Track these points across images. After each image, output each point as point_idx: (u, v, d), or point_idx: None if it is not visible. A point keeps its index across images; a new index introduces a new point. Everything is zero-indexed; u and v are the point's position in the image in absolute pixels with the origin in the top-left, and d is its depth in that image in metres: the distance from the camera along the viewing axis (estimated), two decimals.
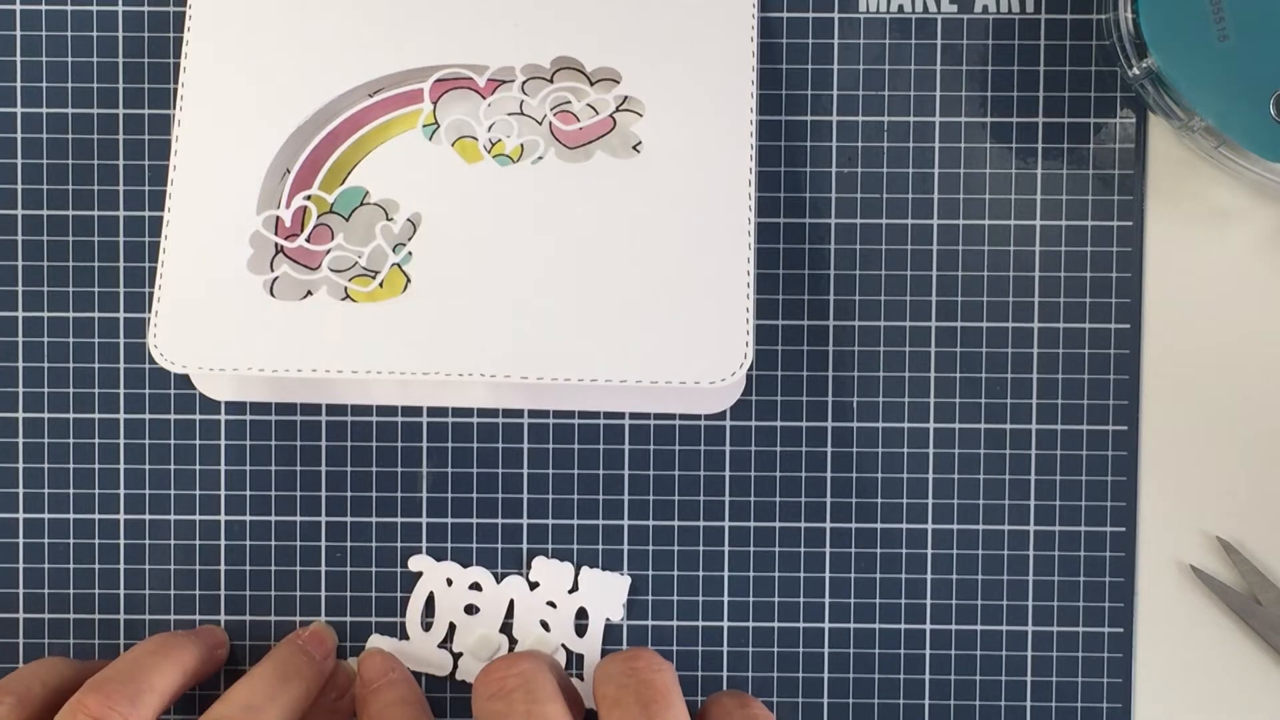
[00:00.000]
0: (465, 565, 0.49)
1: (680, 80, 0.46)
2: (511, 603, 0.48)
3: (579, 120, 0.46)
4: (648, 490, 0.49)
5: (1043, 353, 0.49)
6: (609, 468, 0.49)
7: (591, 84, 0.46)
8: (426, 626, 0.49)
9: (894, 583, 0.49)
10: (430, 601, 0.49)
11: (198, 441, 0.49)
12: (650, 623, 0.49)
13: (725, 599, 0.49)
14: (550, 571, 0.48)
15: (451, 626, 0.49)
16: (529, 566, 0.49)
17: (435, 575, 0.49)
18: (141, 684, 0.43)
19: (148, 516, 0.49)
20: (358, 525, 0.49)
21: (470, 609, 0.49)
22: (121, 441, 0.49)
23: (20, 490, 0.49)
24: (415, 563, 0.49)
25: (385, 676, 0.47)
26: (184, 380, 0.49)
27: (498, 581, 0.49)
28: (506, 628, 0.48)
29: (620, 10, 0.46)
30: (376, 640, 0.49)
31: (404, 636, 0.49)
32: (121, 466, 0.49)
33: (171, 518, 0.49)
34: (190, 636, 0.47)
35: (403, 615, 0.49)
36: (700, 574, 0.49)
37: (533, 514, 0.49)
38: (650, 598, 0.49)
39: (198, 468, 0.49)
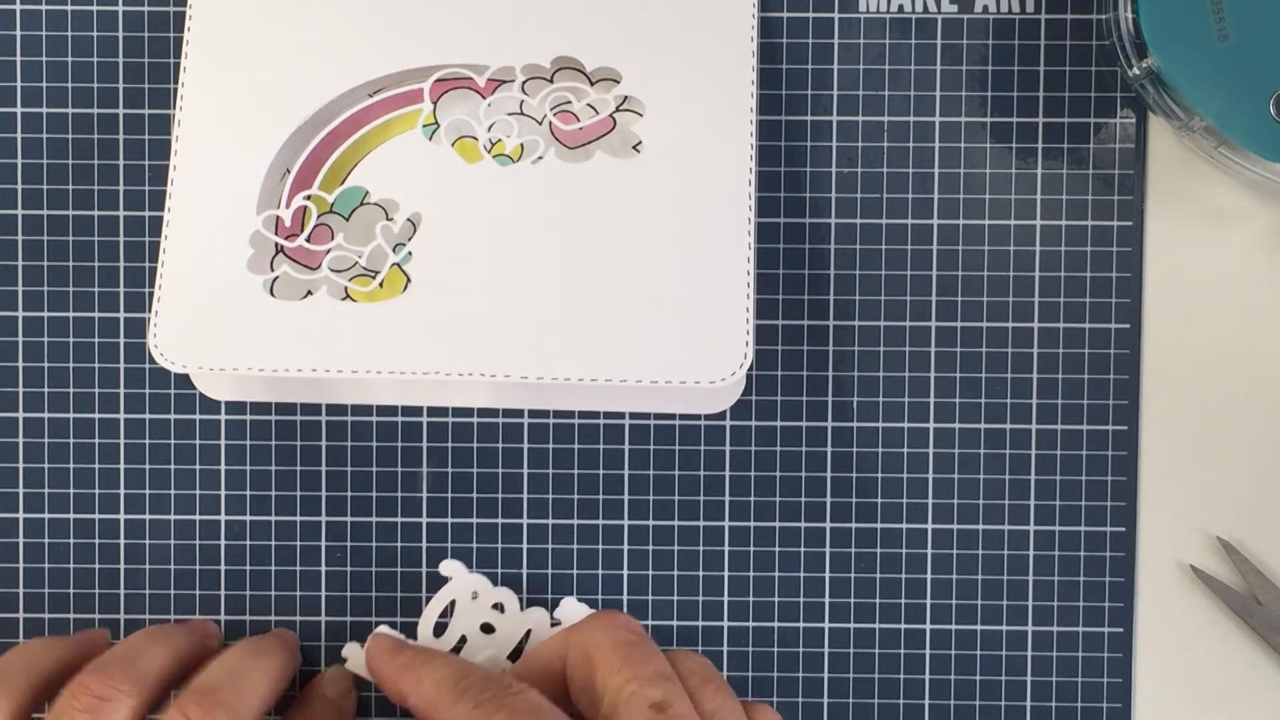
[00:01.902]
0: (491, 580, 0.48)
1: (680, 80, 0.46)
2: (529, 634, 0.48)
3: (579, 120, 0.46)
4: (648, 490, 0.49)
5: (1043, 353, 0.49)
6: (609, 468, 0.49)
7: (591, 84, 0.46)
8: (438, 631, 0.48)
9: (894, 583, 0.49)
10: (450, 609, 0.48)
11: (198, 441, 0.49)
12: (650, 623, 0.49)
13: (725, 599, 0.49)
14: (576, 615, 0.48)
15: (463, 639, 0.48)
16: (555, 605, 0.48)
17: (463, 585, 0.48)
18: (142, 666, 0.43)
19: (148, 516, 0.49)
20: (358, 525, 0.49)
21: (487, 628, 0.48)
22: (121, 441, 0.49)
23: (20, 490, 0.49)
24: (446, 567, 0.48)
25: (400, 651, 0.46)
26: (184, 380, 0.49)
27: (521, 609, 0.48)
28: (515, 654, 0.48)
29: (620, 10, 0.46)
30: (384, 630, 0.48)
31: (409, 633, 0.49)
32: (121, 466, 0.49)
33: (171, 518, 0.49)
34: (183, 627, 0.47)
35: (403, 615, 0.49)
36: (700, 574, 0.49)
37: (533, 514, 0.49)
38: (650, 598, 0.49)
39: (198, 468, 0.49)
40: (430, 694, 0.42)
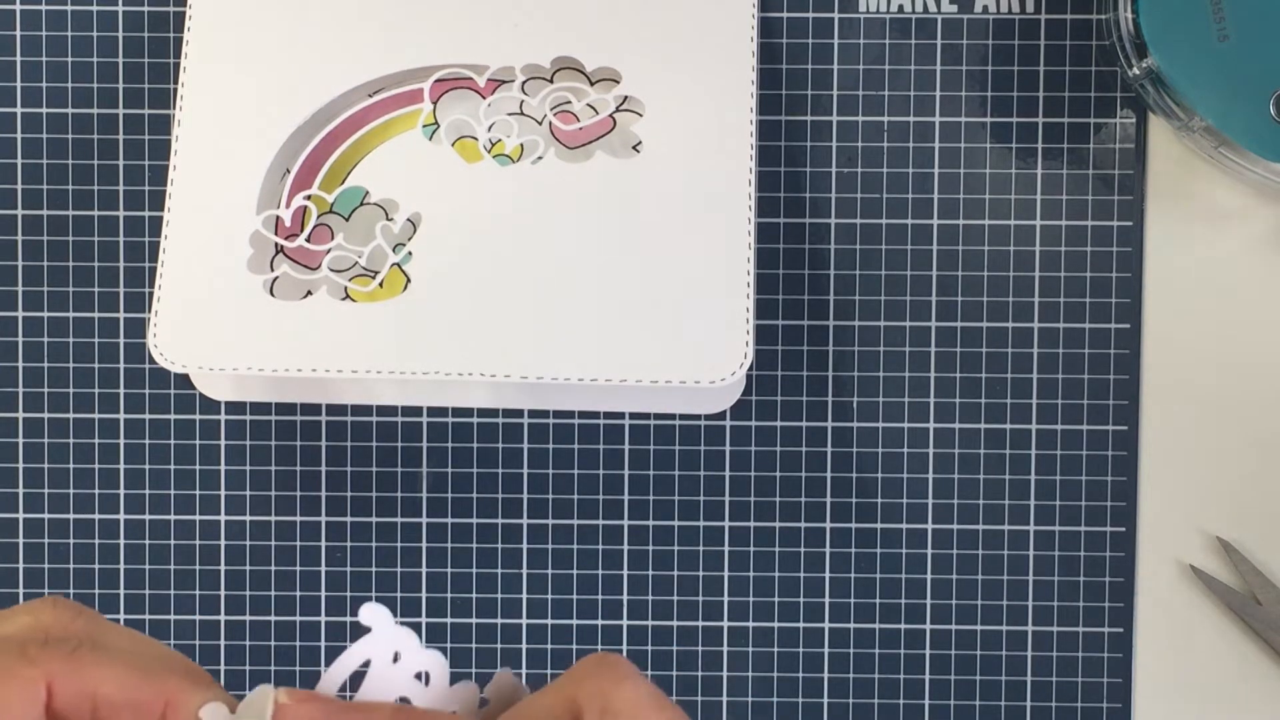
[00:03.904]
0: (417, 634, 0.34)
1: (680, 80, 0.46)
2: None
3: (579, 120, 0.46)
4: (648, 490, 0.49)
5: (1043, 353, 0.49)
6: (609, 468, 0.49)
7: (591, 84, 0.46)
8: (343, 690, 0.33)
9: (894, 583, 0.49)
10: (363, 670, 0.34)
11: (198, 441, 0.49)
12: (650, 623, 0.49)
13: (725, 599, 0.49)
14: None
15: None
16: (485, 681, 0.38)
17: (385, 642, 0.34)
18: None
19: (148, 516, 0.49)
20: (358, 525, 0.49)
21: (403, 702, 0.33)
22: (121, 441, 0.49)
23: (20, 490, 0.49)
24: (368, 614, 0.34)
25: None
26: (184, 380, 0.49)
27: (450, 681, 0.34)
28: None
29: (620, 10, 0.46)
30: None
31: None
32: (121, 466, 0.49)
33: (171, 518, 0.49)
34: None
35: (401, 616, 0.49)
36: (700, 574, 0.49)
37: (533, 514, 0.49)
38: (650, 598, 0.49)
39: (198, 468, 0.49)
40: None
